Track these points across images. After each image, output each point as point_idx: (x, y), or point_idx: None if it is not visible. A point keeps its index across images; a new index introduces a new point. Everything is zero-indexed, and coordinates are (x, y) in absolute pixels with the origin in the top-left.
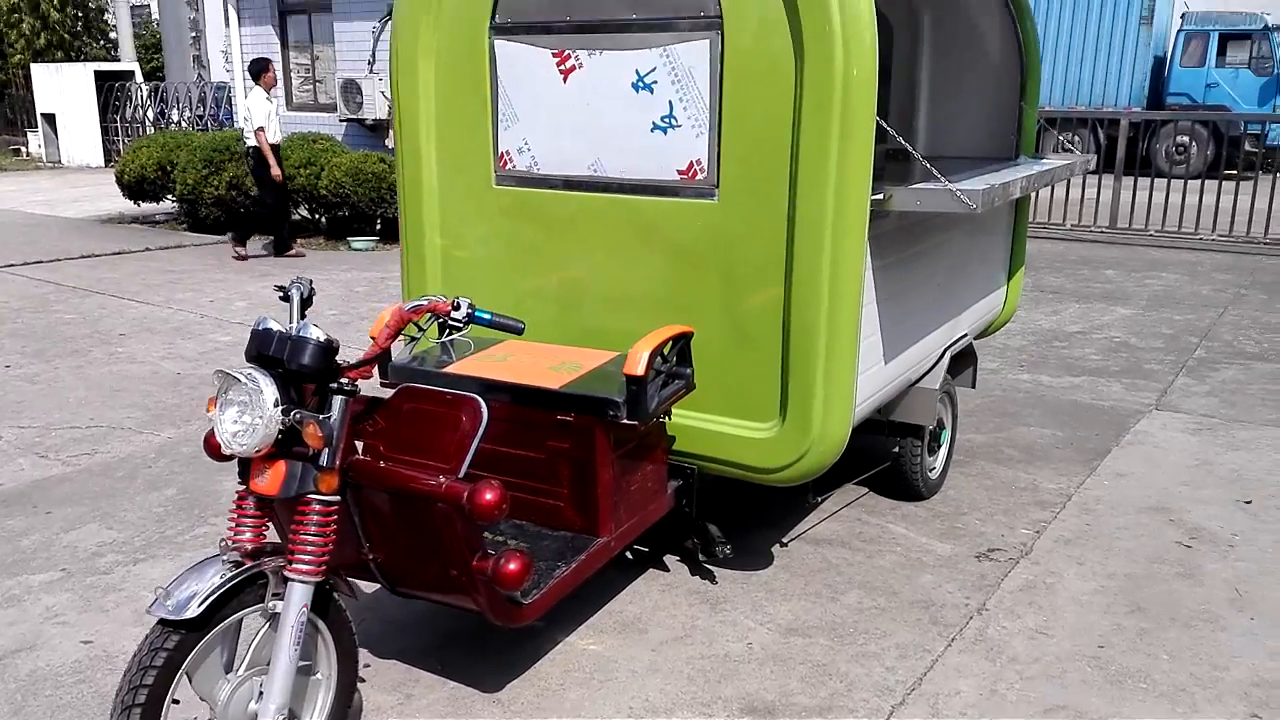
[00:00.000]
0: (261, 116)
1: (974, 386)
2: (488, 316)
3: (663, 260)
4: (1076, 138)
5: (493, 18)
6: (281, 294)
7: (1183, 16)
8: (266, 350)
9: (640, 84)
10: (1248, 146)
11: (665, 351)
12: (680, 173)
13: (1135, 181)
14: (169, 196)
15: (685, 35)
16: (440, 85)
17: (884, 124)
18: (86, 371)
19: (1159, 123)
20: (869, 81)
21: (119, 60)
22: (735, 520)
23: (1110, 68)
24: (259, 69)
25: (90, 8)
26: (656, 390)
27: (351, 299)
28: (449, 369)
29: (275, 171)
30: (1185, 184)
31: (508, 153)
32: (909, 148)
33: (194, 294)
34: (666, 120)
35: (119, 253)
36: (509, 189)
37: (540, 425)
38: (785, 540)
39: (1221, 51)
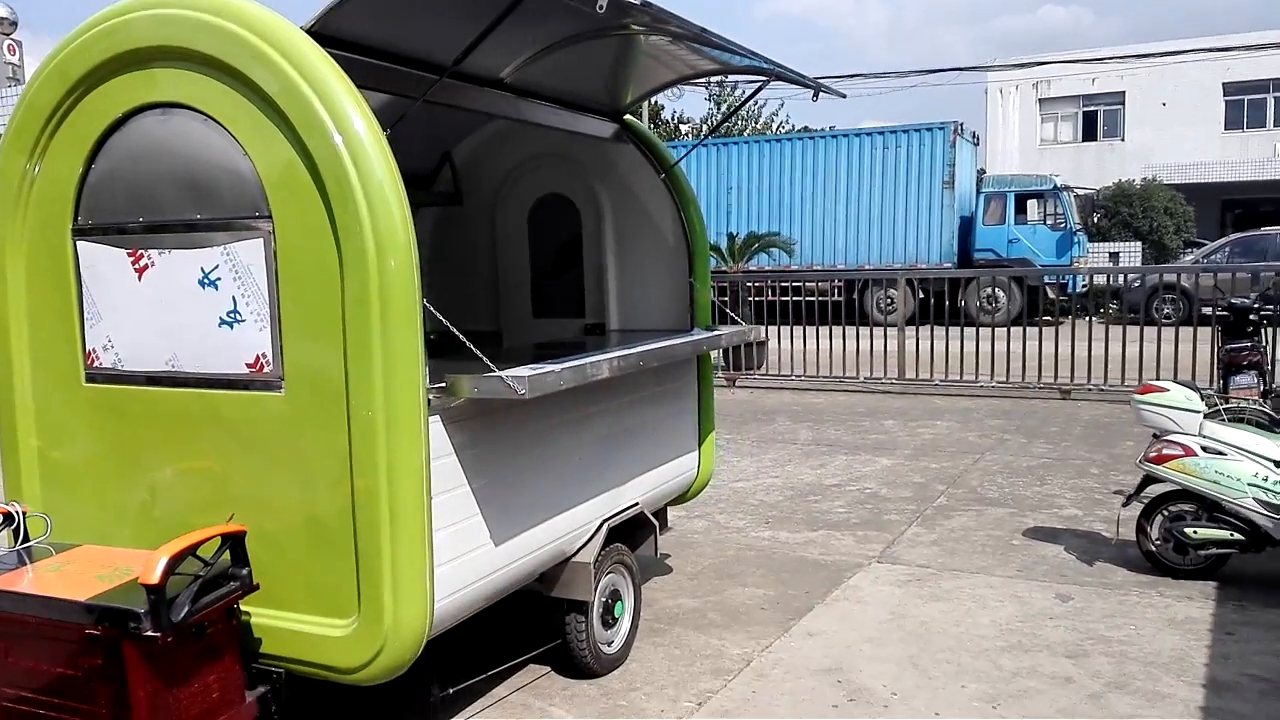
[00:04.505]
0: None
1: (656, 555)
2: None
3: (240, 455)
4: (894, 292)
5: (74, 220)
6: None
7: (980, 179)
8: None
9: (206, 281)
10: (1050, 295)
11: (207, 554)
12: (249, 366)
13: (952, 332)
14: None
15: (241, 234)
16: (30, 285)
17: (433, 310)
18: None
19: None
20: (407, 273)
21: None
22: (389, 715)
23: (920, 228)
24: None
25: None
26: (190, 597)
27: None
28: None
29: None
30: (993, 332)
31: (94, 350)
32: (457, 334)
33: None
34: (232, 315)
35: None
36: (98, 386)
37: (72, 641)
38: None
39: (1020, 210)
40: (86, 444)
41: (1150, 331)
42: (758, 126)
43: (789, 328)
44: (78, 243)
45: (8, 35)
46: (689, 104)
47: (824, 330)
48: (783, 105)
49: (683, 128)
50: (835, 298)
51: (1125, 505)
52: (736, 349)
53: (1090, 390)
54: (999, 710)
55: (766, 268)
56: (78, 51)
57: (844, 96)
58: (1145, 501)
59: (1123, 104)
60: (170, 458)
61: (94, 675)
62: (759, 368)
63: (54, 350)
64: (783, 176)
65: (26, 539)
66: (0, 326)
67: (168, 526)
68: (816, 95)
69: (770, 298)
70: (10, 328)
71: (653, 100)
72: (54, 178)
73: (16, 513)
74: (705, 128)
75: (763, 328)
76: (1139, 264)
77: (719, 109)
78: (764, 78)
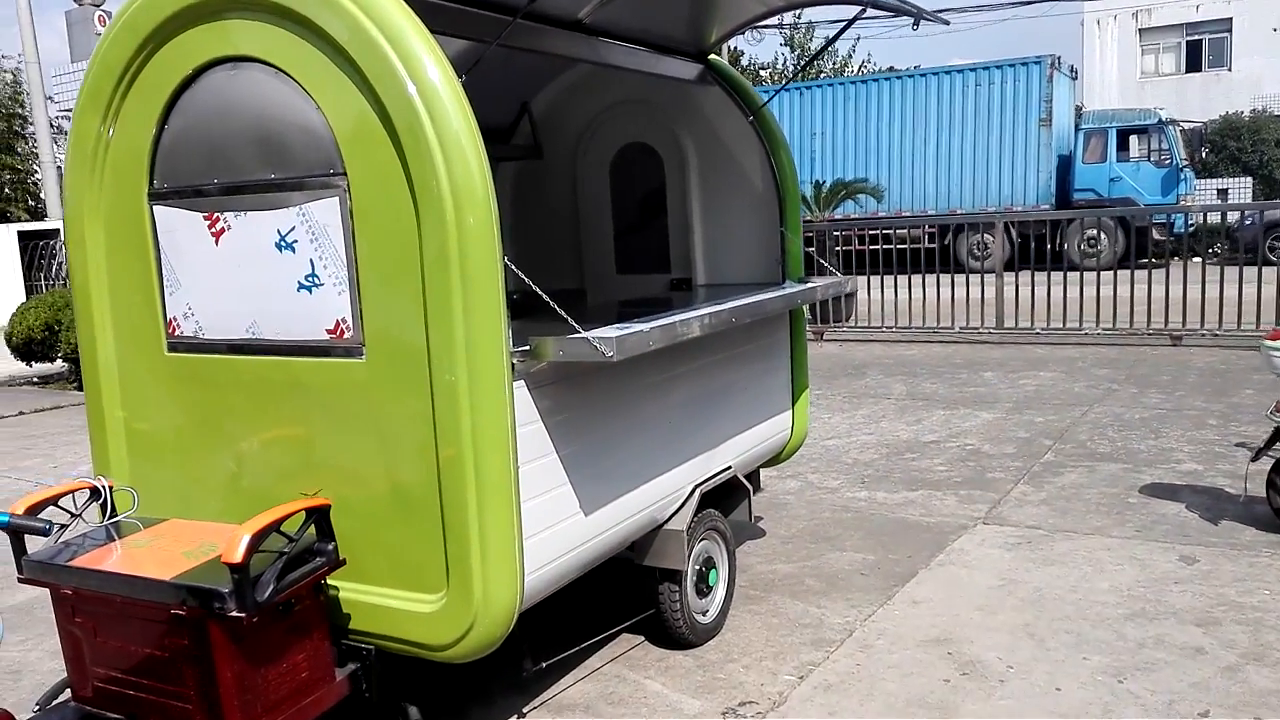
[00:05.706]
0: None
1: (750, 520)
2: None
3: (323, 424)
4: (989, 237)
5: (150, 184)
6: None
7: (1079, 115)
8: None
9: (283, 244)
10: (1156, 235)
11: (291, 530)
12: (329, 332)
13: (1053, 277)
14: (57, 356)
15: (317, 193)
16: (109, 252)
17: (514, 268)
18: None
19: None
20: (486, 230)
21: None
22: (480, 687)
23: (1016, 169)
24: None
25: (19, 170)
26: (275, 574)
27: None
28: (78, 560)
29: None
30: (1099, 276)
31: (175, 319)
32: (541, 294)
33: (43, 459)
34: (310, 280)
35: None
36: (180, 356)
37: (159, 620)
38: (526, 710)
39: (1122, 146)
40: (171, 415)
41: (1267, 273)
42: (836, 66)
43: (878, 277)
44: (154, 208)
45: (98, 7)
46: (761, 51)
47: (915, 279)
48: (859, 41)
49: (763, 74)
50: (927, 244)
51: (1254, 460)
52: (823, 301)
53: (1204, 335)
54: (1126, 684)
55: (853, 215)
56: (148, 5)
57: (947, 24)
58: (1276, 456)
59: (1229, 31)
60: (254, 428)
61: (180, 655)
62: (848, 319)
63: (136, 320)
64: (869, 120)
65: (114, 513)
66: (82, 297)
67: (254, 497)
68: (917, 23)
69: (858, 247)
70: (92, 298)
71: (731, 46)
72: (128, 140)
73: (103, 487)
74: (788, 71)
75: (852, 278)
76: (1249, 200)
77: (793, 52)
78: (859, 6)
